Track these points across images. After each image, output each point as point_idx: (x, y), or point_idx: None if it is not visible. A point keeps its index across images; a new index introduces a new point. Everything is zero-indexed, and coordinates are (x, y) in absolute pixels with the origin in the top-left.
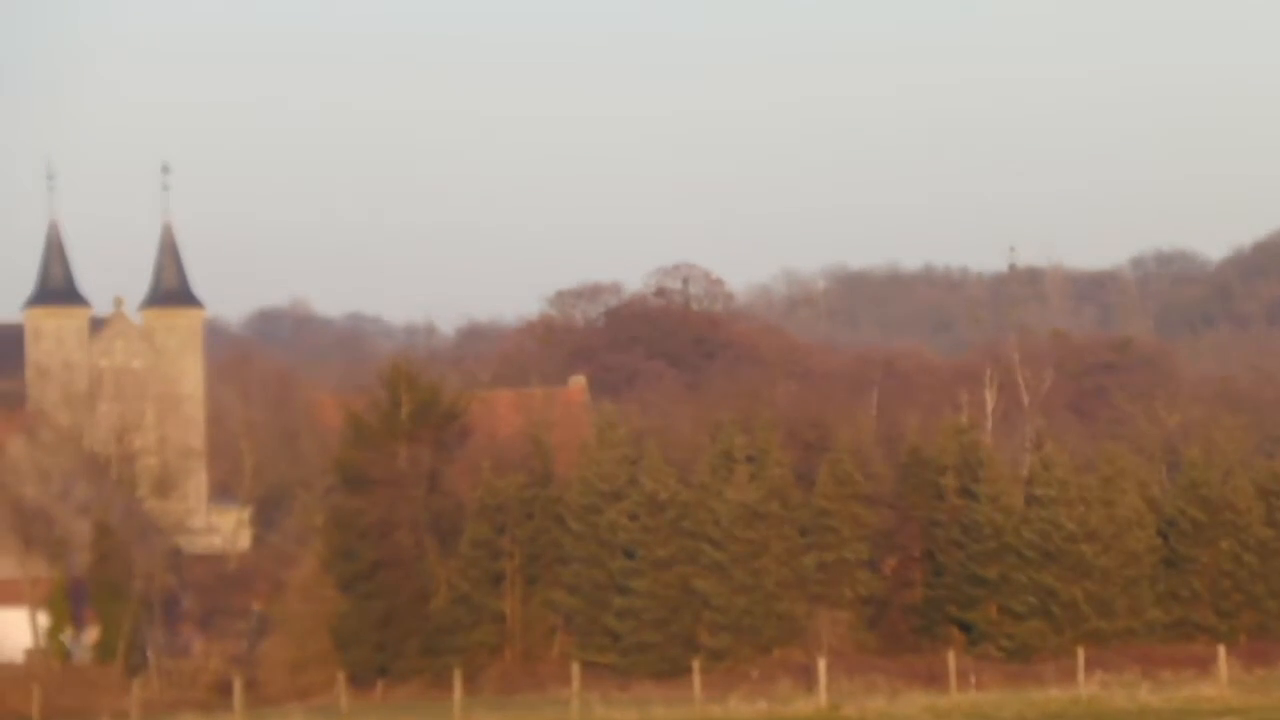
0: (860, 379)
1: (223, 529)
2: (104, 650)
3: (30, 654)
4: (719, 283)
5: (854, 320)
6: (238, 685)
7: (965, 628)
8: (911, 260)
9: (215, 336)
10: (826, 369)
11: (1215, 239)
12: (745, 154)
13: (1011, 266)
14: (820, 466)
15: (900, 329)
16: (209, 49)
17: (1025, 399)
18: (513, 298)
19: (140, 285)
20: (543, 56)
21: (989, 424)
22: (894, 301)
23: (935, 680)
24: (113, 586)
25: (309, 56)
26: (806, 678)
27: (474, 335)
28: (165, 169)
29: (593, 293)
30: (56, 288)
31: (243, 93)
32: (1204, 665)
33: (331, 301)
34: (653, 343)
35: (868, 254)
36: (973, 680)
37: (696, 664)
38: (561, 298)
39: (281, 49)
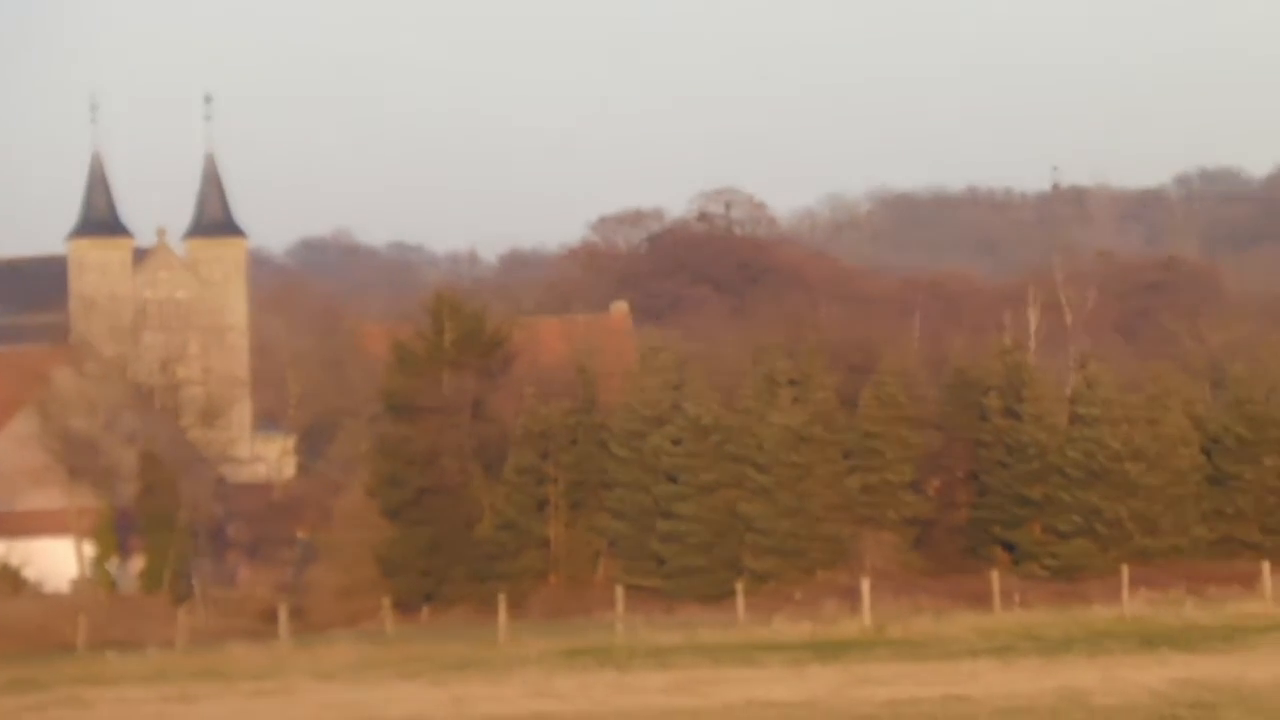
0: (905, 302)
1: (268, 458)
2: (150, 579)
3: (77, 584)
4: (762, 207)
5: (899, 243)
6: (283, 612)
7: (1010, 548)
8: (955, 181)
9: (259, 266)
10: (871, 292)
11: (1259, 156)
12: (786, 76)
13: (1055, 186)
14: (865, 390)
15: (946, 251)
16: None
17: (1069, 319)
18: (555, 225)
19: (183, 216)
20: None
21: (1032, 345)
22: (939, 223)
23: (981, 600)
24: (159, 516)
25: None
26: (851, 599)
27: (517, 263)
28: (208, 99)
29: (635, 218)
30: (100, 219)
31: (282, 19)
32: (1249, 582)
33: (374, 230)
34: (696, 268)
35: (911, 176)
36: (1018, 600)
37: (740, 586)
38: (604, 224)
39: None
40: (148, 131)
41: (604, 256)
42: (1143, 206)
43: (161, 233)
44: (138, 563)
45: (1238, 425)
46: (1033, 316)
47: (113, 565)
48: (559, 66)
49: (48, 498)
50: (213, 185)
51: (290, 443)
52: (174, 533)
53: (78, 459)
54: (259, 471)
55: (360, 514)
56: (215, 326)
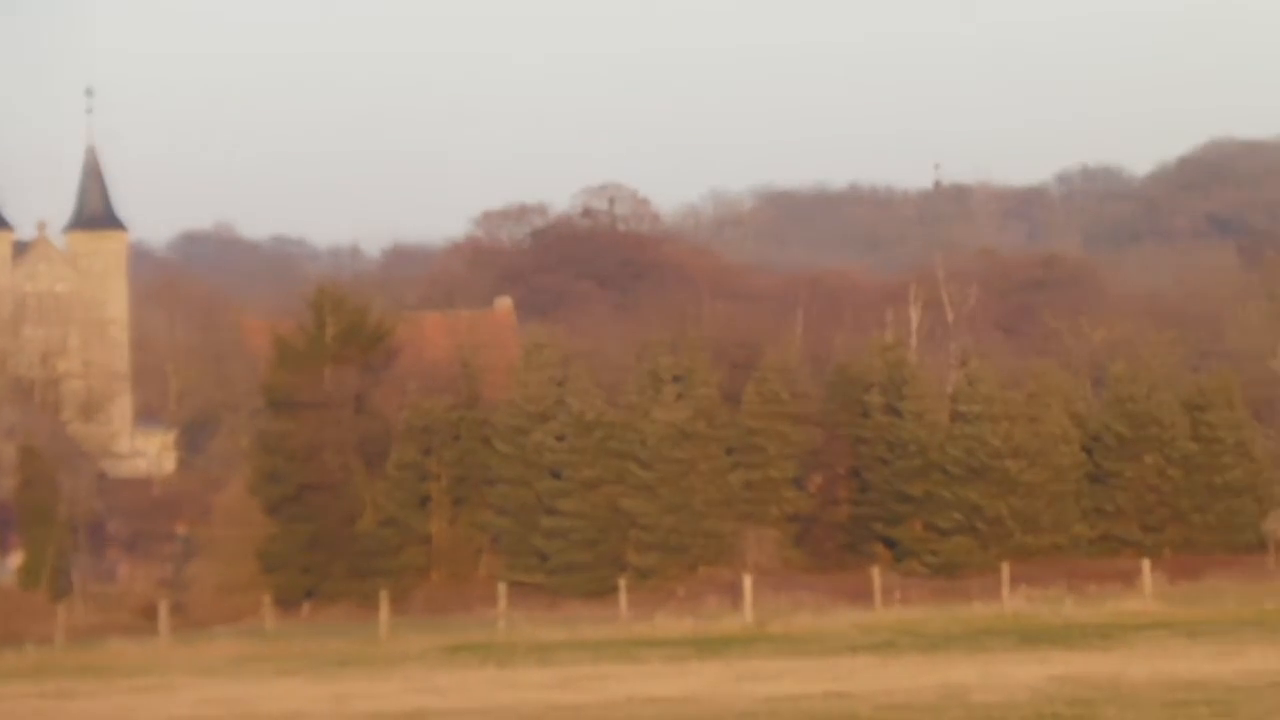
0: (788, 299)
1: (148, 452)
2: (29, 575)
3: None
4: (645, 203)
5: (782, 240)
6: (163, 609)
7: (891, 544)
8: (838, 179)
9: (140, 260)
10: (754, 289)
11: (1140, 154)
12: (670, 73)
13: (937, 184)
14: (747, 386)
15: (828, 248)
16: None
17: (950, 316)
18: (439, 219)
19: (64, 209)
20: None
21: (914, 342)
22: (822, 220)
23: (861, 597)
24: (38, 511)
25: None
26: (733, 595)
27: (400, 257)
28: (89, 92)
29: (519, 214)
30: None
31: (166, 13)
32: (1129, 579)
33: (256, 224)
34: (581, 264)
35: (795, 173)
36: (899, 596)
37: (623, 583)
38: (488, 219)
39: None
40: (28, 124)
41: (488, 251)
42: (1024, 204)
43: (42, 226)
44: (16, 558)
45: (1118, 423)
46: (914, 314)
47: None
48: (442, 61)
49: None
50: (93, 178)
51: (171, 438)
52: (53, 528)
53: None
54: (139, 466)
55: (241, 510)
56: (96, 320)
